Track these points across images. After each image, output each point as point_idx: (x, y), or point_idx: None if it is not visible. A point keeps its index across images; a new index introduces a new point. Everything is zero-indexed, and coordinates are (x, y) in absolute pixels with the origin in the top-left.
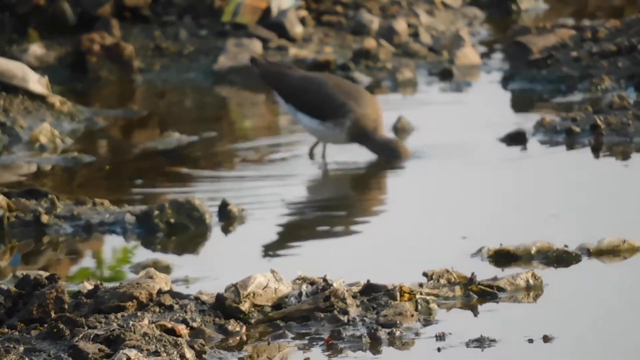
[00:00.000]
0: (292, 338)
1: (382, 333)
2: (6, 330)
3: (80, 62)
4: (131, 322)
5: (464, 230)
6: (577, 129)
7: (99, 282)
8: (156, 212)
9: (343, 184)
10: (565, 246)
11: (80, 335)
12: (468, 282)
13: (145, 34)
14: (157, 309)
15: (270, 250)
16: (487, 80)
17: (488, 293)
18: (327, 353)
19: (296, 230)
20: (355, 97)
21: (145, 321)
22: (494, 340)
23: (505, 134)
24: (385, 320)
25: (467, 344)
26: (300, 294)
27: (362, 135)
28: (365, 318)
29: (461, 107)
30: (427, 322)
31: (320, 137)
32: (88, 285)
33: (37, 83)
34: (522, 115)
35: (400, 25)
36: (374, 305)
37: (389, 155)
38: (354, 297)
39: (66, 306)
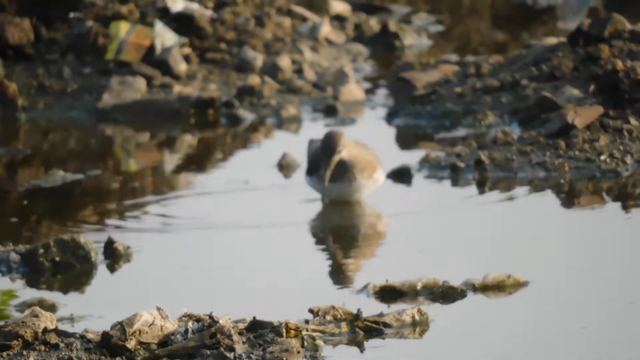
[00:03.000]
0: None
1: None
2: None
3: None
4: None
5: (350, 266)
6: (462, 165)
7: None
8: (41, 251)
9: (232, 216)
10: (445, 281)
11: None
12: (354, 319)
13: (28, 72)
14: (43, 348)
15: (156, 287)
16: (371, 116)
17: (374, 329)
18: None
19: (183, 267)
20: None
21: None
22: None
23: (390, 170)
24: (272, 357)
25: None
26: (186, 331)
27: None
28: (251, 355)
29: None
30: (313, 359)
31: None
32: None
33: None
34: (407, 151)
35: (284, 61)
36: (260, 342)
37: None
38: (240, 333)
39: None
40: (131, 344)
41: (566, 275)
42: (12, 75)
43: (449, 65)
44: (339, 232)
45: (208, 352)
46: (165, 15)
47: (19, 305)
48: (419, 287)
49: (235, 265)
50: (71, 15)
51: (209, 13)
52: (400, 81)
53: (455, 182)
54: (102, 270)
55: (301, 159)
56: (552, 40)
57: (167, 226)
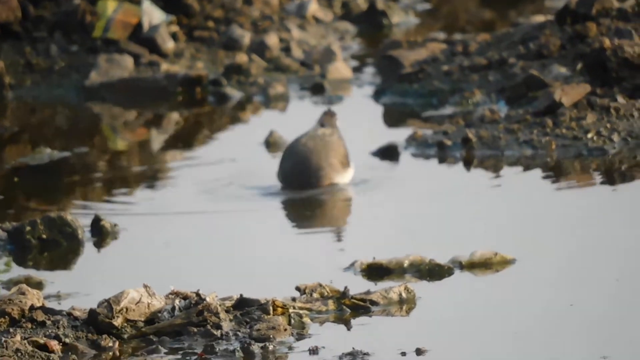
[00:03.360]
0: (165, 353)
1: (256, 347)
2: None
3: None
4: (3, 339)
5: (338, 244)
6: (449, 143)
7: None
8: (28, 228)
9: (218, 197)
10: (432, 259)
11: None
12: (341, 296)
13: (15, 50)
14: (30, 325)
15: (143, 265)
16: (359, 94)
17: (361, 307)
18: None
19: (169, 245)
20: (287, 155)
21: (18, 337)
22: (367, 354)
23: (377, 148)
24: (259, 335)
25: (340, 358)
26: (173, 308)
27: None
28: (238, 332)
29: None
30: (300, 336)
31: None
32: None
33: None
34: (394, 129)
35: (272, 39)
36: (247, 320)
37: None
38: (227, 311)
39: None
40: (118, 321)
41: (553, 252)
42: None
43: (436, 44)
44: (326, 211)
45: (195, 329)
46: None
47: (5, 283)
48: (405, 265)
49: (222, 244)
50: None
51: None
52: (388, 59)
53: (442, 160)
54: (89, 247)
55: (288, 136)
56: (539, 19)
57: (154, 204)
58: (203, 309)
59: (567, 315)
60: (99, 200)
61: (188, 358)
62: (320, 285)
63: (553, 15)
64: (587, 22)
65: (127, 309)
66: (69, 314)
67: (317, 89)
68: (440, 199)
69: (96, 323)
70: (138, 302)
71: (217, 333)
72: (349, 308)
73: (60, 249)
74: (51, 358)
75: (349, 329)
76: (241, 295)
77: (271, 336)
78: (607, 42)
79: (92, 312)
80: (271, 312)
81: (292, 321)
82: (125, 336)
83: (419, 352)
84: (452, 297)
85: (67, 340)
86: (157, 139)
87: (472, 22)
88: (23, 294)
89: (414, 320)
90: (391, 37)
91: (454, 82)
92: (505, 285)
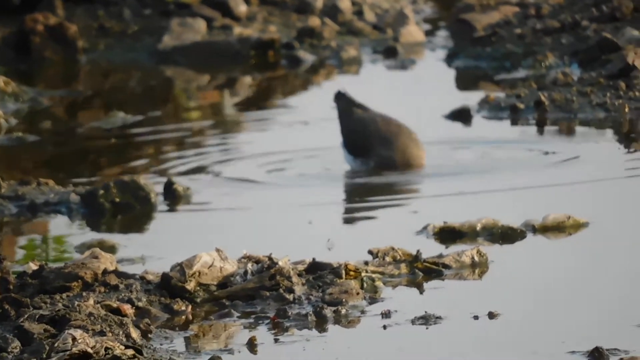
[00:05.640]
0: (237, 317)
1: (328, 311)
2: None
3: (24, 43)
4: (76, 302)
5: (410, 207)
6: (522, 106)
7: (44, 262)
8: (101, 192)
9: (291, 165)
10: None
11: (26, 316)
12: (413, 260)
13: (89, 13)
14: (103, 289)
15: (216, 229)
16: (431, 58)
17: (433, 270)
18: (273, 332)
19: (241, 209)
20: (386, 139)
21: (91, 301)
22: (439, 318)
23: (450, 111)
24: (331, 299)
25: (413, 322)
26: (245, 272)
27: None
28: (310, 296)
29: (406, 84)
30: (372, 300)
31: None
32: (33, 266)
33: None
34: (467, 92)
35: (345, 3)
36: (319, 284)
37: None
38: (300, 275)
39: (11, 287)
40: (191, 285)
41: (626, 216)
42: (72, 17)
43: (509, 7)
44: (395, 174)
45: (267, 293)
46: None
47: (78, 247)
48: (478, 228)
49: (294, 209)
50: None
51: None
52: (460, 23)
53: (514, 123)
54: (161, 211)
55: (362, 100)
56: None
57: (227, 168)
58: (275, 272)
59: None
60: (171, 164)
61: (260, 322)
62: (393, 248)
63: None
64: None
65: (199, 273)
66: (142, 278)
67: (389, 53)
68: (514, 163)
69: (169, 287)
70: (210, 266)
71: (290, 297)
72: (422, 271)
73: (133, 213)
74: (124, 322)
75: (421, 293)
76: (314, 259)
77: (344, 300)
78: None
79: (164, 276)
80: (344, 275)
81: (365, 285)
82: (198, 300)
83: (491, 315)
84: (525, 261)
85: (140, 304)
86: (230, 103)
87: None
88: (96, 257)
89: (486, 284)
90: (464, 1)
91: (527, 45)
92: (579, 249)
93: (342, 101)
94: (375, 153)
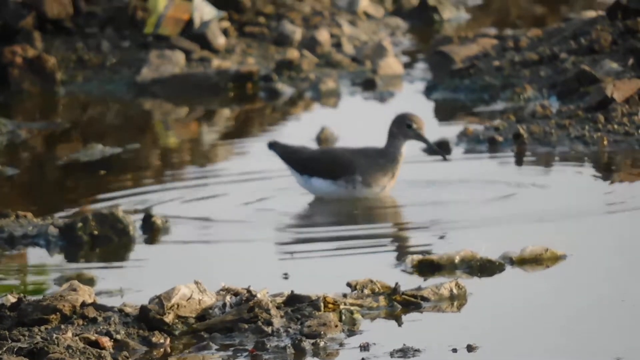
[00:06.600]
0: (216, 349)
1: (307, 344)
2: None
3: (2, 75)
4: (55, 335)
5: (389, 240)
6: (500, 138)
7: (22, 294)
8: (79, 225)
9: (265, 197)
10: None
11: (4, 349)
12: (392, 292)
13: (67, 45)
14: (81, 322)
15: (194, 261)
16: (410, 90)
17: (412, 303)
18: None
19: (219, 242)
20: (361, 152)
21: (69, 334)
22: (418, 350)
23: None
24: (310, 331)
25: (392, 354)
26: (224, 305)
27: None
28: (289, 329)
29: (385, 117)
30: (351, 333)
31: (334, 196)
32: (11, 298)
33: None
34: (446, 124)
35: (323, 35)
36: (298, 316)
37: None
38: (278, 307)
39: None
40: (169, 317)
41: (603, 249)
42: (51, 49)
43: (487, 39)
44: (376, 206)
45: (246, 326)
46: None
47: (57, 279)
48: (457, 261)
49: (273, 241)
50: None
51: None
52: (439, 55)
53: (493, 156)
54: (140, 243)
55: (340, 132)
56: (590, 14)
57: (206, 201)
58: (254, 305)
59: (619, 311)
60: (150, 196)
61: (239, 354)
62: (371, 281)
63: (604, 10)
64: (638, 17)
65: (178, 305)
66: (120, 310)
67: (368, 85)
68: (492, 195)
69: (147, 319)
70: (189, 299)
71: (268, 329)
72: (400, 304)
73: (111, 245)
74: (102, 354)
75: (400, 325)
76: (292, 291)
77: (322, 332)
78: None
79: (143, 309)
80: (322, 308)
81: (343, 317)
82: (177, 332)
83: (470, 348)
84: (503, 294)
85: (118, 336)
86: (209, 135)
87: (523, 17)
88: (74, 290)
89: (465, 317)
90: (442, 33)
91: (505, 78)
92: (556, 281)
93: (279, 147)
94: (356, 166)
